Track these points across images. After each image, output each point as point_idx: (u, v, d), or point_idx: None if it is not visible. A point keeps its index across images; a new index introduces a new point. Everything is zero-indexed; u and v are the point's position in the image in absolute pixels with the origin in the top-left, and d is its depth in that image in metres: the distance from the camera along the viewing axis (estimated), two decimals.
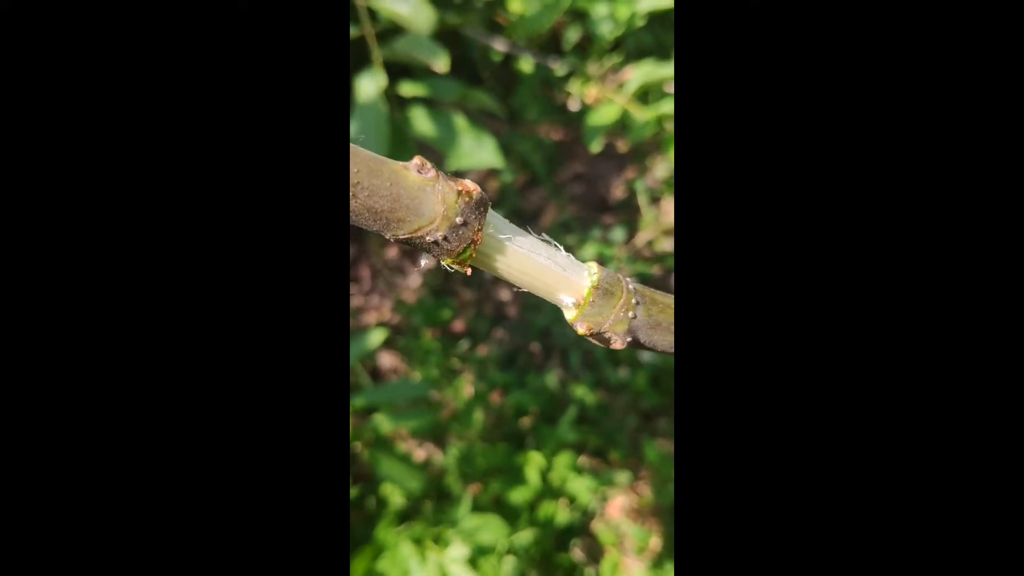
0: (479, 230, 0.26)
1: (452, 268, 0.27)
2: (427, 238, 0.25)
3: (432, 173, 0.24)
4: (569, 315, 0.30)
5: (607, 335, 0.30)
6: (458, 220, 0.25)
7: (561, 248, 0.29)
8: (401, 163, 0.24)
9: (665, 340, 0.32)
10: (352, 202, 0.23)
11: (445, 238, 0.25)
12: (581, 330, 0.30)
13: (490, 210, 0.26)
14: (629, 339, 0.31)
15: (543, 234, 0.29)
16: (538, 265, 0.28)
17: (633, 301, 0.30)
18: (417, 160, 0.24)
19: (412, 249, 0.26)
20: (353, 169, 0.23)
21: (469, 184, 0.25)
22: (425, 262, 0.27)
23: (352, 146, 0.23)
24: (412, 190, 0.24)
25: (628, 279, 0.31)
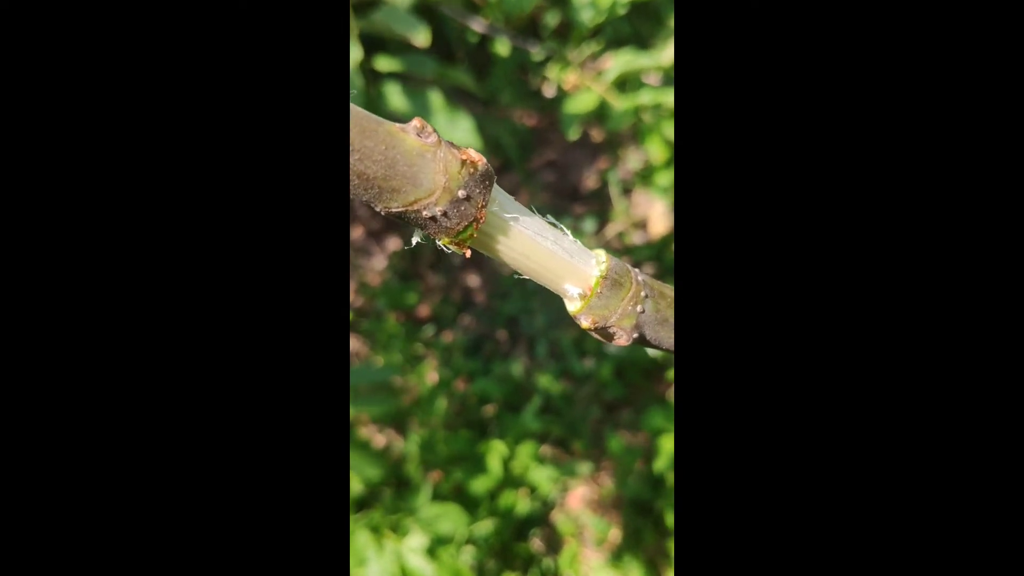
0: (483, 206, 0.22)
1: (449, 249, 0.23)
2: (424, 212, 0.22)
3: (433, 138, 0.21)
4: (573, 307, 0.27)
5: (612, 330, 0.28)
6: (460, 193, 0.22)
7: (568, 232, 0.26)
8: (399, 124, 0.21)
9: (671, 337, 0.30)
10: None
11: (444, 213, 0.22)
12: (585, 323, 0.27)
13: (495, 185, 0.23)
14: (635, 335, 0.28)
15: (548, 216, 0.26)
16: (544, 250, 0.25)
17: (642, 294, 0.27)
18: (416, 122, 0.21)
19: (402, 224, 0.22)
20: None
21: (473, 154, 0.22)
22: (416, 239, 0.24)
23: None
24: (410, 156, 0.21)
25: (636, 269, 0.28)
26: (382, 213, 0.21)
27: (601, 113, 1.47)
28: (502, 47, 1.67)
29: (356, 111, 0.20)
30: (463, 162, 0.22)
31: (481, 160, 0.22)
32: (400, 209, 0.21)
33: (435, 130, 0.21)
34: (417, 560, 1.27)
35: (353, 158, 0.20)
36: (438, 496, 1.49)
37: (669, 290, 0.29)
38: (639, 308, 0.27)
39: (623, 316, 0.27)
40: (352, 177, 0.20)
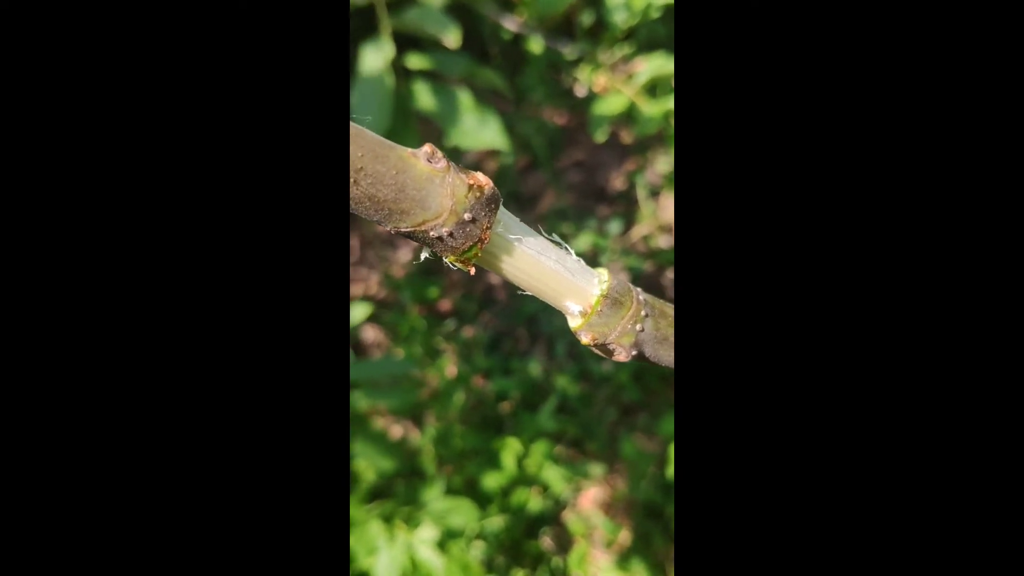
0: (488, 228, 0.24)
1: (455, 266, 0.25)
2: (431, 233, 0.23)
3: (443, 163, 0.22)
4: (574, 323, 0.28)
5: (611, 346, 0.29)
6: (466, 216, 0.23)
7: (572, 251, 0.27)
8: (410, 150, 0.22)
9: (670, 355, 0.31)
10: (353, 189, 0.21)
11: (451, 234, 0.23)
12: (585, 340, 0.28)
13: (500, 207, 0.25)
14: (634, 352, 0.29)
15: (553, 235, 0.27)
16: (547, 269, 0.26)
17: (642, 313, 0.28)
18: (427, 148, 0.22)
19: (414, 241, 0.24)
20: (357, 153, 0.21)
21: (481, 178, 0.23)
22: (425, 255, 0.25)
23: (356, 127, 0.21)
24: (419, 180, 0.22)
25: (638, 289, 0.29)
26: (392, 232, 0.23)
27: (630, 116, 1.47)
28: (535, 46, 1.68)
29: (370, 137, 0.21)
30: (470, 187, 0.23)
31: (488, 184, 0.23)
32: (409, 229, 0.23)
33: (445, 155, 0.23)
34: (427, 552, 1.29)
35: (366, 182, 0.21)
36: (451, 490, 1.50)
37: (670, 309, 0.30)
38: (639, 327, 0.28)
39: (622, 334, 0.28)
40: (364, 200, 0.21)
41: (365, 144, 0.21)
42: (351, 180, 0.21)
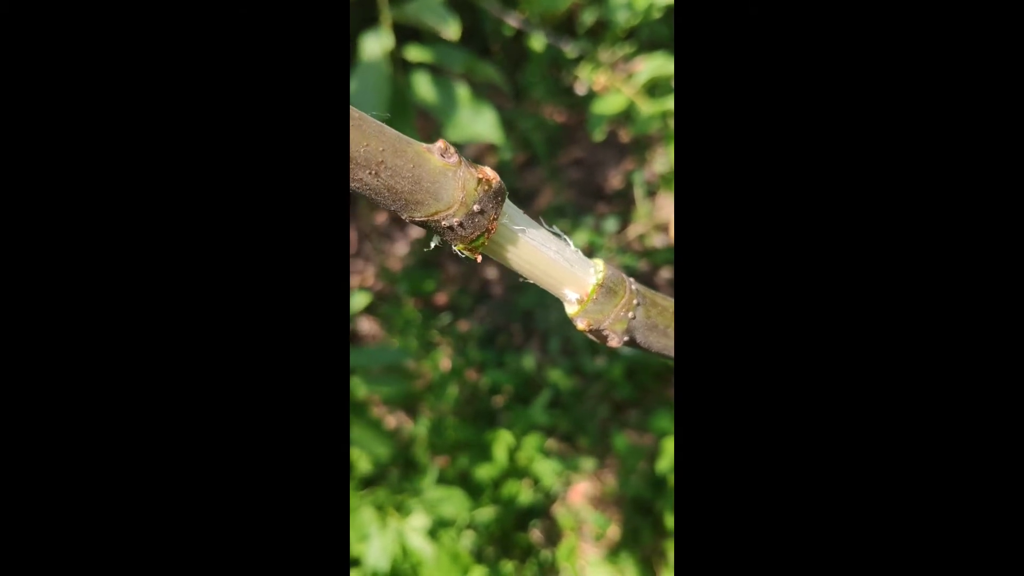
0: (495, 219, 0.26)
1: (463, 254, 0.27)
2: (443, 222, 0.25)
3: (455, 158, 0.24)
4: (571, 310, 0.30)
5: (605, 332, 0.31)
6: (475, 207, 0.25)
7: (571, 243, 0.29)
8: (425, 145, 0.24)
9: (660, 342, 0.33)
10: (374, 180, 0.23)
11: (461, 224, 0.25)
12: (581, 325, 0.30)
13: (506, 200, 0.27)
14: (626, 338, 0.31)
15: (554, 227, 0.29)
16: (547, 259, 0.28)
17: (634, 302, 0.31)
18: (441, 143, 0.24)
19: (426, 230, 0.26)
20: (378, 148, 0.23)
21: (489, 172, 0.25)
22: (435, 243, 0.27)
23: (377, 124, 0.23)
24: (433, 173, 0.24)
25: (631, 279, 0.31)
26: (407, 221, 0.25)
27: (629, 115, 1.49)
28: (537, 43, 1.70)
29: (390, 133, 0.23)
30: (479, 180, 0.25)
31: (496, 179, 0.25)
32: (422, 219, 0.25)
33: (457, 151, 0.25)
34: (418, 540, 1.31)
35: (385, 175, 0.23)
36: (443, 480, 1.53)
37: (661, 299, 0.32)
38: (631, 314, 0.30)
39: (615, 321, 0.30)
40: (383, 190, 0.23)
41: (385, 140, 0.23)
42: (372, 172, 0.23)
